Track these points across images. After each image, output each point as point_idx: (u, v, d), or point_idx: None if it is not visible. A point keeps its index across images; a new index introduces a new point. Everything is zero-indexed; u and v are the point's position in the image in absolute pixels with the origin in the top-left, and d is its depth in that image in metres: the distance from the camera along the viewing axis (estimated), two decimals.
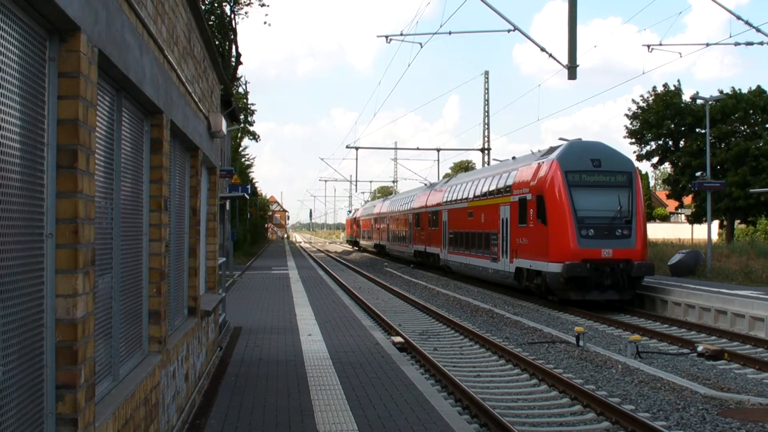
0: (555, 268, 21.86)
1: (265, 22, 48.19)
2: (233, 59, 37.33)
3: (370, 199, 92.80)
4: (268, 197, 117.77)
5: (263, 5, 36.29)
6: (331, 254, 65.72)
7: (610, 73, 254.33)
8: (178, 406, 7.28)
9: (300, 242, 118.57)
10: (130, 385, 5.00)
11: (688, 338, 16.73)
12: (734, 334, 17.44)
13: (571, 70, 17.71)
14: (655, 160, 54.01)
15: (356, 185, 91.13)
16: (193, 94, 8.25)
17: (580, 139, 25.81)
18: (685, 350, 15.51)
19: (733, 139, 48.47)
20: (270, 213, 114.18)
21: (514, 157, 30.27)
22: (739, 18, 19.90)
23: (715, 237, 48.04)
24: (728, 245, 40.21)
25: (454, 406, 9.88)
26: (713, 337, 17.45)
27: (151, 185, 6.05)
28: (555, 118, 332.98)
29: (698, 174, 47.28)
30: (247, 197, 32.55)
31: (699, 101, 34.16)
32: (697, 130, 49.89)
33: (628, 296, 22.25)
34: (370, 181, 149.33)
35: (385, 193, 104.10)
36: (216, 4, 35.12)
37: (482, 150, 50.85)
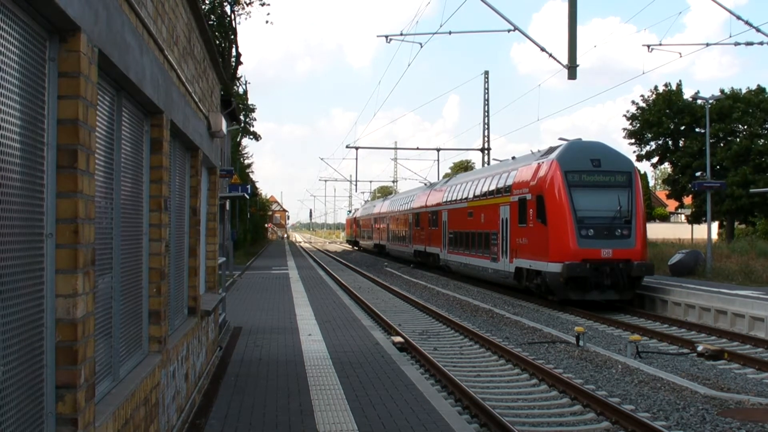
0: (555, 268, 21.87)
1: (267, 21, 48.20)
2: (233, 59, 37.33)
3: (370, 199, 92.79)
4: (268, 197, 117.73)
5: (264, 4, 36.33)
6: (331, 254, 65.71)
7: (610, 73, 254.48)
8: (178, 406, 7.29)
9: (300, 242, 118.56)
10: (130, 385, 5.00)
11: (688, 338, 16.73)
12: (734, 334, 17.44)
13: (571, 69, 17.72)
14: (655, 160, 54.03)
15: (356, 185, 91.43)
16: (193, 94, 8.25)
17: (580, 139, 25.81)
18: (685, 350, 15.51)
19: (731, 139, 48.47)
20: (270, 213, 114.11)
21: (513, 157, 30.26)
22: (738, 18, 19.92)
23: (714, 237, 48.02)
24: (728, 245, 40.19)
25: (454, 406, 9.88)
26: (713, 337, 17.45)
27: (151, 185, 6.05)
28: (554, 119, 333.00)
29: (698, 174, 47.30)
30: (247, 197, 32.54)
31: (699, 101, 34.11)
32: (697, 129, 49.90)
33: (628, 296, 22.26)
34: (370, 181, 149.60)
35: (385, 193, 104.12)
36: (216, 4, 35.13)
37: (482, 150, 50.84)
